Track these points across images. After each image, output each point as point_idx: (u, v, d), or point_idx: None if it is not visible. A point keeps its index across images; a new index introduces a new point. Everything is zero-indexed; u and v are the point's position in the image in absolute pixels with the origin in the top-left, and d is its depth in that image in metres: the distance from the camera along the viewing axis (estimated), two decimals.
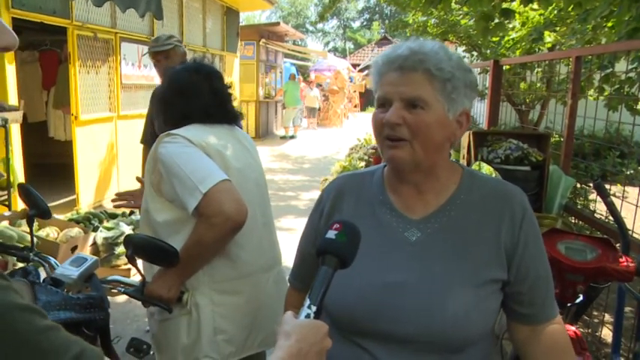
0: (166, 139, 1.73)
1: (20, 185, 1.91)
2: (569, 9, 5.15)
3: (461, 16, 8.09)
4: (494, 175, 2.76)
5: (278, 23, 15.17)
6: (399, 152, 1.09)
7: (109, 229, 4.33)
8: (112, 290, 1.82)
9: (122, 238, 4.15)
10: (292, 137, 15.45)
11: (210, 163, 1.69)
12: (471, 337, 1.09)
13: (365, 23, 47.75)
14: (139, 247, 1.59)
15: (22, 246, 1.95)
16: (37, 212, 1.85)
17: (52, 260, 1.84)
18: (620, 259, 1.82)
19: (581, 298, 1.90)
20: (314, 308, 0.87)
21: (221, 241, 1.67)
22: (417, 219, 1.16)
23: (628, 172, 5.78)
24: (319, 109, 19.27)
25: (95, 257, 1.73)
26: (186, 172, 1.62)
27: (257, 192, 1.88)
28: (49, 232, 4.06)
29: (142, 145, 3.52)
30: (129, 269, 4.04)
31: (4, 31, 0.69)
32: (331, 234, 0.95)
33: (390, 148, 1.10)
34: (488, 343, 1.18)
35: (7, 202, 4.33)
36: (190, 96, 1.84)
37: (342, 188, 1.27)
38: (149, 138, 3.28)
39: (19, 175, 4.68)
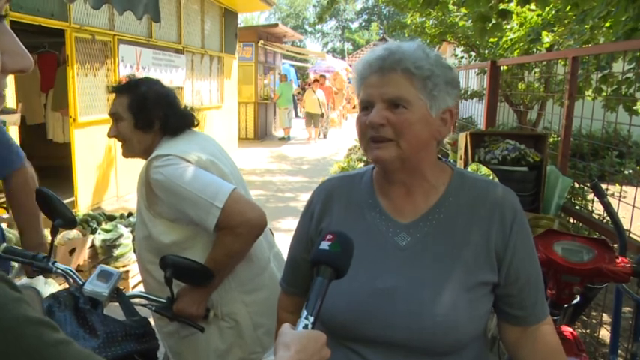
0: (158, 163, 1.68)
1: (39, 191, 1.77)
2: (567, 9, 5.16)
3: (459, 18, 8.10)
4: (491, 177, 2.76)
5: (276, 24, 15.16)
6: (384, 152, 1.09)
7: (107, 231, 4.33)
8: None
9: (120, 240, 4.16)
10: (288, 138, 15.30)
11: (213, 176, 1.69)
12: (462, 340, 1.09)
13: (363, 24, 47.81)
14: (178, 268, 1.58)
15: (34, 254, 1.76)
16: (64, 222, 1.74)
17: (72, 271, 1.75)
18: (617, 260, 1.82)
19: (577, 299, 1.89)
20: (311, 319, 0.88)
21: (248, 248, 1.71)
22: (407, 223, 1.15)
23: (626, 172, 5.78)
24: (322, 116, 15.38)
25: (119, 270, 1.69)
26: (195, 193, 1.62)
27: (245, 191, 1.91)
28: (47, 235, 4.05)
29: None
30: (127, 272, 4.04)
31: (19, 54, 0.68)
32: (325, 244, 0.94)
33: (375, 148, 1.10)
34: (480, 344, 1.18)
35: (5, 205, 4.33)
36: (172, 104, 1.85)
37: (332, 191, 1.26)
38: None
39: None
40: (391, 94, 1.08)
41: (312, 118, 14.96)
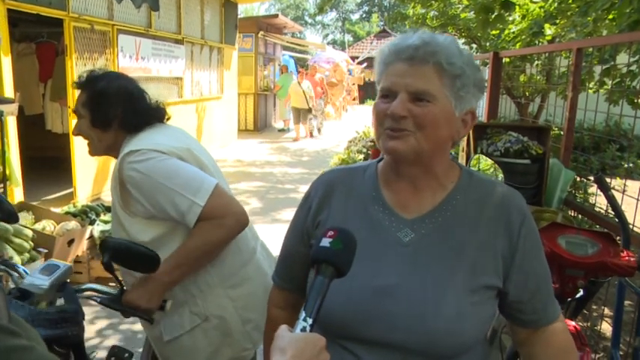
0: (131, 159, 1.59)
1: None
2: (570, 1, 5.12)
3: (460, 9, 8.06)
4: (491, 171, 2.74)
5: (277, 15, 15.10)
6: (400, 143, 1.04)
7: (106, 222, 4.31)
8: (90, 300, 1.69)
9: None
10: (288, 130, 15.15)
11: (194, 169, 1.62)
12: (463, 343, 1.04)
13: (364, 16, 47.57)
14: (118, 252, 1.49)
15: None
16: (3, 216, 1.67)
17: (21, 268, 1.71)
18: (622, 254, 1.80)
19: (581, 293, 1.88)
20: (310, 321, 0.84)
21: (225, 244, 1.64)
22: (411, 218, 1.10)
23: (627, 166, 5.77)
24: (310, 111, 13.63)
25: (68, 264, 1.60)
26: (174, 189, 1.55)
27: (225, 182, 1.85)
28: (46, 226, 4.04)
29: None
30: None
31: None
32: (325, 242, 0.90)
33: (391, 138, 1.04)
34: (482, 348, 1.13)
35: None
36: (133, 101, 1.75)
37: (332, 183, 1.20)
38: None
39: (15, 168, 4.65)
40: (418, 87, 1.02)
41: (298, 114, 13.44)
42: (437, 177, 1.11)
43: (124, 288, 1.62)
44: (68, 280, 1.61)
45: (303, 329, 0.83)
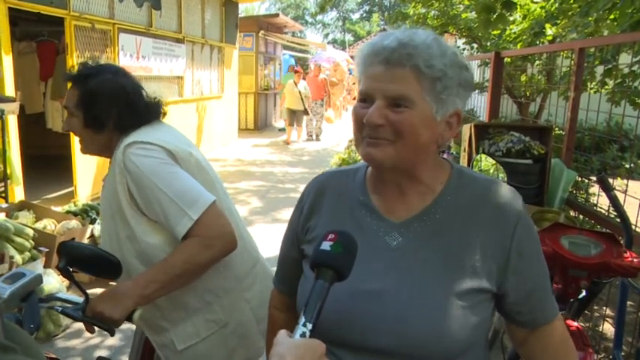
0: (134, 151, 1.52)
1: None
2: (571, 1, 5.11)
3: (462, 9, 8.06)
4: (491, 171, 2.73)
5: (277, 15, 15.10)
6: (377, 151, 1.00)
7: None
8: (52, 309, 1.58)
9: None
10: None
11: (194, 183, 1.54)
12: (451, 349, 0.99)
13: (364, 15, 47.57)
14: (75, 257, 1.41)
15: None
16: None
17: None
18: (625, 255, 1.80)
19: (584, 293, 1.87)
20: (310, 326, 0.82)
21: (211, 264, 1.54)
22: (399, 222, 1.07)
23: (629, 166, 5.77)
24: (306, 113, 12.77)
25: (38, 272, 1.50)
26: (169, 195, 1.48)
27: (223, 188, 1.80)
28: (47, 225, 4.03)
29: None
30: None
31: None
32: (326, 245, 0.88)
33: (368, 145, 1.01)
34: (483, 352, 1.10)
35: (3, 194, 4.30)
36: (130, 100, 1.64)
37: (323, 187, 1.18)
38: None
39: (16, 166, 4.64)
40: (394, 92, 0.97)
41: (293, 115, 12.56)
42: (422, 180, 1.08)
43: (89, 297, 1.51)
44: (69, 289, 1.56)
45: (303, 335, 0.81)
